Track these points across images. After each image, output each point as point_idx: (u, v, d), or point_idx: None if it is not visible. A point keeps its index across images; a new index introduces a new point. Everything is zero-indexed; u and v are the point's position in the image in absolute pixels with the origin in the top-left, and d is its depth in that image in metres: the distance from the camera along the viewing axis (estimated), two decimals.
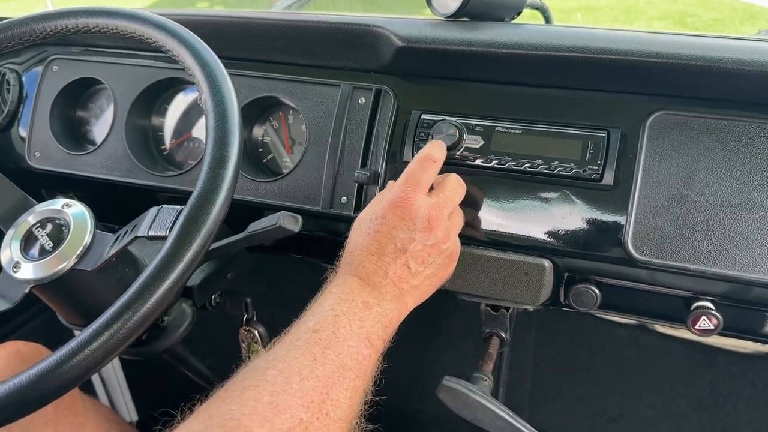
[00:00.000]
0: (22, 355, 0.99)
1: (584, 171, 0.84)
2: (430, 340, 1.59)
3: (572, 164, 0.84)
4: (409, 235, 0.76)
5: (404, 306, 0.76)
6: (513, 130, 0.87)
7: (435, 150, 0.84)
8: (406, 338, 1.55)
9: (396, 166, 0.92)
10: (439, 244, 0.78)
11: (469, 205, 0.89)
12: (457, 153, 0.88)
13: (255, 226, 0.83)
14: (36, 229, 0.77)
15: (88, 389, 1.59)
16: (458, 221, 0.84)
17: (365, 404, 0.69)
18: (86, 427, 1.05)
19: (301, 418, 0.59)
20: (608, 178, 0.83)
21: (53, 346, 0.59)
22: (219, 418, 0.57)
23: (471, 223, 0.89)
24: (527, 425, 0.86)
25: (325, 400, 0.62)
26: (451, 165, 0.88)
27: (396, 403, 1.57)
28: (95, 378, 1.62)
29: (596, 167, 0.83)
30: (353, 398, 0.65)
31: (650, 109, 0.83)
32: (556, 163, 0.85)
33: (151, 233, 0.68)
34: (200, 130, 1.10)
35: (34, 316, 1.51)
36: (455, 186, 0.83)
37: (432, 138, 0.89)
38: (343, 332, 0.67)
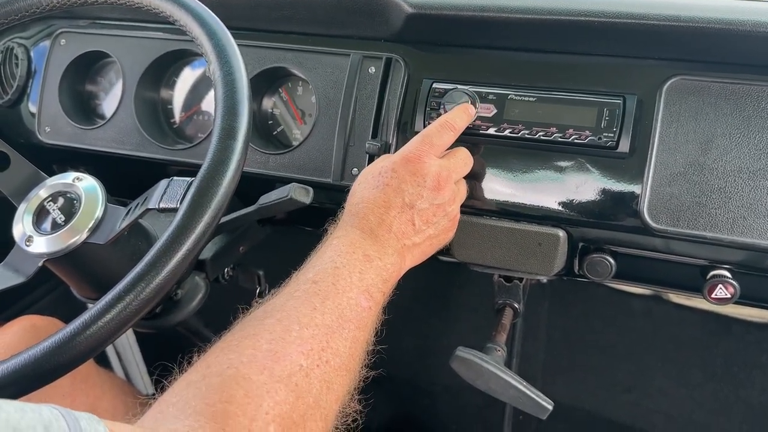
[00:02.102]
0: (37, 329, 1.00)
1: (599, 138, 0.82)
2: (441, 312, 1.59)
3: (587, 132, 0.83)
4: (418, 192, 0.76)
5: (404, 262, 0.76)
6: (526, 98, 0.86)
7: (458, 117, 0.84)
8: (418, 310, 1.56)
9: (407, 137, 0.91)
10: (445, 205, 0.78)
11: (480, 175, 0.88)
12: (469, 122, 0.87)
13: (266, 199, 0.83)
14: (48, 203, 0.77)
15: (104, 363, 1.61)
16: (463, 191, 0.85)
17: (367, 355, 0.69)
18: (103, 400, 1.07)
19: (300, 364, 0.59)
20: (624, 146, 0.82)
21: (69, 320, 0.59)
22: (217, 368, 0.57)
23: (482, 194, 0.88)
24: (541, 395, 0.86)
25: (325, 348, 0.62)
26: (463, 134, 0.86)
27: (407, 376, 1.58)
28: (111, 352, 1.64)
29: (612, 134, 0.82)
30: (353, 348, 0.65)
31: (667, 75, 0.81)
32: (570, 130, 0.83)
33: (162, 205, 0.68)
34: (209, 103, 1.09)
35: (50, 290, 1.52)
36: (465, 157, 0.84)
37: (444, 108, 0.87)
38: (343, 284, 0.67)
